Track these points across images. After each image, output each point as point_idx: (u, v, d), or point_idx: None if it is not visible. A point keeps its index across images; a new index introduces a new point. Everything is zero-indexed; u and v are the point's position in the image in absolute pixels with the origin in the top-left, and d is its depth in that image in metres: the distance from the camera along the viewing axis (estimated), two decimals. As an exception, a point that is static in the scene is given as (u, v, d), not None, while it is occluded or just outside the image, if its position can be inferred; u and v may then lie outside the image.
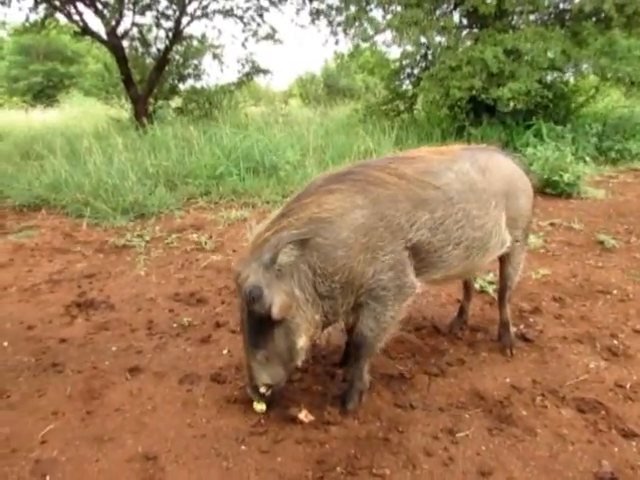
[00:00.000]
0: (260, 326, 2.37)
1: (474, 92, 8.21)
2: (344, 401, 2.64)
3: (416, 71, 9.86)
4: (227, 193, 6.62)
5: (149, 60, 11.39)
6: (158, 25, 10.94)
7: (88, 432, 2.52)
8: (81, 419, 2.61)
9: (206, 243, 5.05)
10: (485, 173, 2.71)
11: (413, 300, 2.55)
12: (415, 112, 10.35)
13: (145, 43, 11.20)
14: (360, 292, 2.46)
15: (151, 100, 11.17)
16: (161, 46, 11.19)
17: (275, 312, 2.33)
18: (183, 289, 4.11)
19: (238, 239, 5.23)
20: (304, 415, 2.57)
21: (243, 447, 2.43)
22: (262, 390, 2.48)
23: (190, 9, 11.32)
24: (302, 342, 2.44)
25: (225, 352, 3.21)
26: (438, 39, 8.70)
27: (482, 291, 3.90)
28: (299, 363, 2.51)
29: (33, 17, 10.18)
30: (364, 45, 9.38)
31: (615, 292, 3.79)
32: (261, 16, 11.31)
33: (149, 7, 10.60)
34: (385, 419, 2.57)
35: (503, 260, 3.01)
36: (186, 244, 5.10)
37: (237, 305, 2.50)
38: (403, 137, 8.60)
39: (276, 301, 2.34)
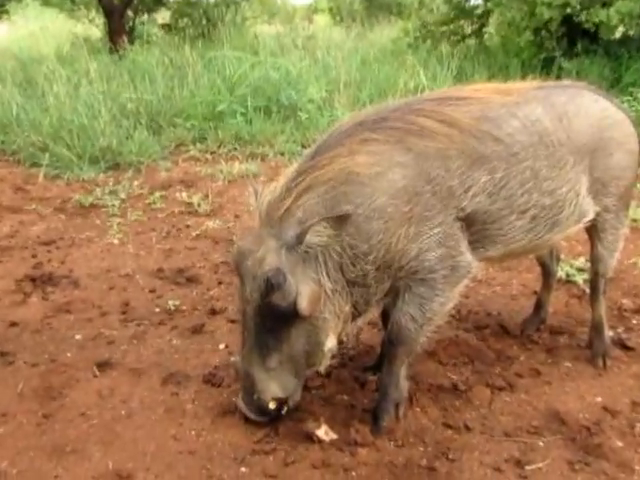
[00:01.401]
0: (274, 323, 2.40)
1: (569, 11, 7.99)
2: (376, 416, 2.67)
3: (490, -20, 9.63)
4: (228, 140, 6.64)
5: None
6: None
7: (45, 440, 2.60)
8: (36, 424, 2.69)
9: (199, 205, 5.10)
10: (563, 120, 2.69)
11: (467, 284, 2.58)
12: (486, 37, 10.15)
13: None
14: (399, 276, 2.50)
15: (130, 13, 11.17)
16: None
17: (304, 306, 2.35)
18: (169, 264, 4.18)
19: (242, 201, 5.26)
20: (324, 432, 2.61)
21: (243, 469, 2.48)
22: (271, 406, 2.51)
23: None
24: (331, 343, 2.48)
25: (222, 347, 3.26)
26: None
27: (568, 281, 3.87)
28: (323, 368, 2.54)
29: None
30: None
31: None
32: None
33: None
34: (431, 442, 2.59)
35: (592, 238, 3.00)
36: (173, 205, 5.16)
37: (239, 293, 2.52)
38: (467, 70, 8.45)
39: (304, 291, 2.36)
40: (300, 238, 2.33)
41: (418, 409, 2.77)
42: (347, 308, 2.50)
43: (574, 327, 3.40)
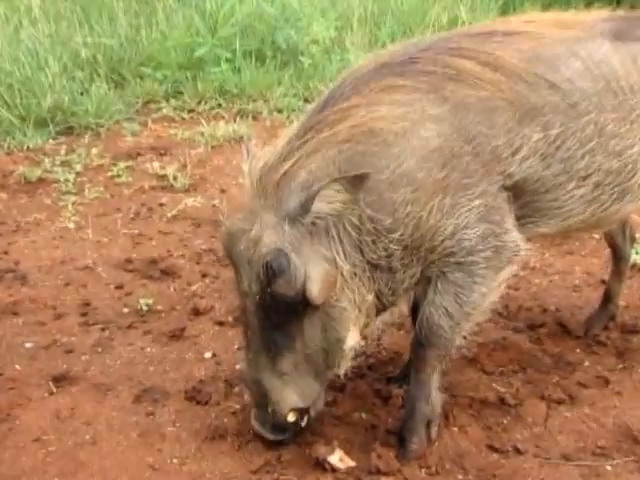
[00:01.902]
0: (282, 317, 2.44)
1: None
2: (403, 438, 2.72)
3: None
4: (211, 94, 6.64)
5: None
6: None
7: (-8, 472, 2.68)
8: (-20, 453, 2.77)
9: (175, 178, 5.14)
10: (638, 61, 2.69)
11: (515, 271, 2.63)
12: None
13: None
14: (431, 259, 2.54)
15: None
16: None
17: (315, 292, 2.39)
18: (139, 253, 4.24)
19: (229, 171, 5.29)
20: (338, 458, 2.66)
21: (239, 505, 2.57)
22: (290, 419, 2.58)
23: None
24: (352, 339, 2.54)
25: (208, 355, 3.32)
26: None
27: (645, 267, 3.92)
28: (342, 372, 2.60)
29: None
30: None
31: None
32: None
33: None
34: (472, 469, 2.65)
35: None
36: (143, 179, 5.20)
37: (234, 285, 2.56)
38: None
39: (313, 273, 2.39)
40: (306, 206, 2.35)
41: (456, 429, 2.82)
42: (369, 297, 2.54)
43: (652, 325, 3.45)
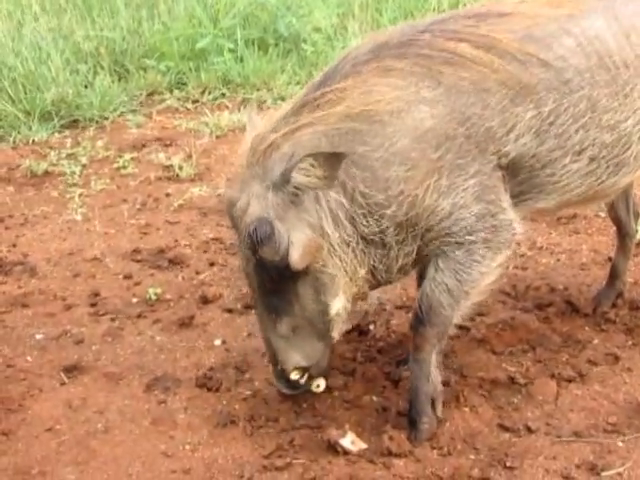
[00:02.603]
0: (277, 282, 2.52)
1: None
2: (412, 420, 2.75)
3: None
4: (214, 84, 6.62)
5: None
6: None
7: (6, 463, 2.68)
8: (-6, 443, 2.79)
9: (181, 168, 5.14)
10: (631, 36, 2.70)
11: (510, 254, 2.68)
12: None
13: None
14: (428, 238, 2.60)
15: None
16: None
17: (295, 257, 2.47)
18: (146, 243, 4.25)
19: (234, 161, 5.24)
20: (350, 441, 2.68)
21: (251, 489, 2.57)
22: (294, 376, 2.66)
23: None
24: (338, 304, 2.60)
25: (217, 343, 3.34)
26: None
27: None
28: (336, 335, 2.67)
29: None
30: None
31: None
32: None
33: None
34: (484, 449, 2.66)
35: None
36: (149, 169, 5.20)
37: (237, 251, 2.66)
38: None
39: (296, 240, 2.47)
40: (286, 176, 2.42)
41: (467, 409, 2.83)
42: (362, 271, 2.60)
43: (661, 301, 3.44)
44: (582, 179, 2.73)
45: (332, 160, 2.37)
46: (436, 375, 2.76)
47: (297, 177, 2.40)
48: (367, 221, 2.53)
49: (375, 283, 2.70)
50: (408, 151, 2.48)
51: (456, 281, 2.61)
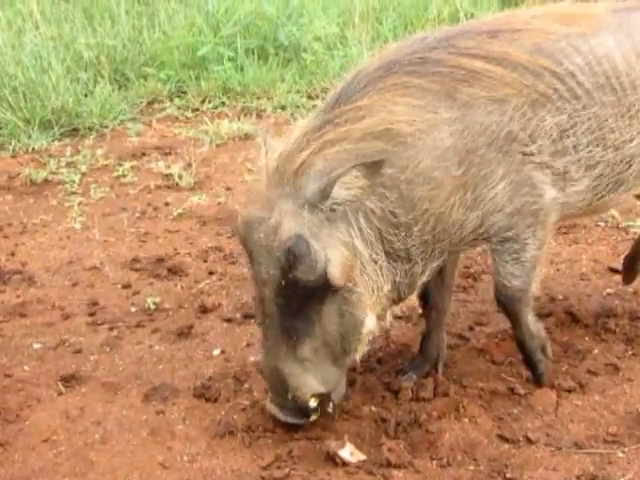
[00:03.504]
0: (302, 303, 2.50)
1: None
2: (533, 370, 2.95)
3: None
4: (214, 92, 6.64)
5: None
6: None
7: (3, 474, 2.66)
8: (-10, 454, 2.77)
9: (181, 176, 5.13)
10: None
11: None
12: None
13: None
14: (464, 244, 2.76)
15: None
16: None
17: (336, 275, 2.47)
18: (145, 252, 4.24)
19: (234, 169, 5.29)
20: (349, 452, 2.65)
21: (250, 501, 2.55)
22: (312, 404, 2.61)
23: None
24: (370, 323, 2.60)
25: (216, 352, 3.32)
26: None
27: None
28: (358, 356, 2.67)
29: None
30: None
31: None
32: None
33: None
34: (483, 459, 2.64)
35: None
36: (148, 178, 5.20)
37: (251, 275, 2.61)
38: (519, -10, 8.37)
39: (333, 257, 2.46)
40: (326, 192, 2.42)
41: (466, 420, 2.81)
42: (387, 287, 2.61)
43: (661, 311, 3.44)
44: (585, 194, 2.81)
45: (373, 169, 2.40)
46: (537, 328, 2.93)
47: (338, 191, 2.41)
48: (395, 239, 2.56)
49: (397, 299, 2.71)
50: (431, 171, 2.53)
51: (519, 266, 2.74)
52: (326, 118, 2.52)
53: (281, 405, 2.66)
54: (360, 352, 2.68)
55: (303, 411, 2.63)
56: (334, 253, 2.46)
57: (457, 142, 2.55)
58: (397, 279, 2.64)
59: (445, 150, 2.54)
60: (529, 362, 2.96)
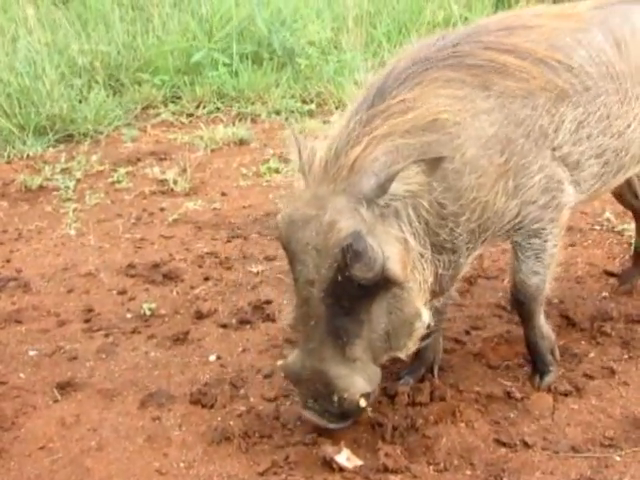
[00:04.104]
0: (354, 302, 2.48)
1: None
2: (541, 374, 3.01)
3: None
4: (209, 97, 6.64)
5: None
6: None
7: (-2, 481, 2.68)
8: (-14, 462, 2.77)
9: (176, 182, 5.13)
10: (621, 46, 2.91)
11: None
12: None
13: None
14: (499, 237, 2.83)
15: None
16: None
17: (397, 271, 2.46)
18: (140, 257, 4.23)
19: (229, 174, 5.29)
20: (346, 458, 2.65)
21: (246, 507, 2.56)
22: (362, 404, 2.57)
23: None
24: (421, 318, 2.59)
25: (212, 358, 3.32)
26: None
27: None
28: (407, 354, 2.71)
29: None
30: None
31: None
32: None
33: None
34: (480, 464, 2.64)
35: None
36: (143, 184, 5.20)
37: (295, 276, 2.53)
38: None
39: (392, 254, 2.46)
40: (384, 187, 2.41)
41: (463, 424, 2.82)
42: (430, 280, 2.62)
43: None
44: (594, 181, 2.95)
45: (433, 165, 2.42)
46: (548, 330, 3.03)
47: (396, 186, 2.41)
48: (442, 230, 2.60)
49: (437, 293, 2.73)
50: (477, 159, 2.59)
51: (539, 263, 2.84)
52: (372, 113, 2.53)
53: (321, 410, 2.61)
54: (410, 349, 2.67)
55: (348, 413, 2.61)
56: (391, 249, 2.46)
57: (498, 131, 2.63)
58: (440, 271, 2.66)
59: (488, 139, 2.61)
60: (539, 364, 3.01)
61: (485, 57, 2.68)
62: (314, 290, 2.48)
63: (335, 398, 2.54)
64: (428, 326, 2.63)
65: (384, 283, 2.47)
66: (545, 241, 2.83)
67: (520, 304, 2.96)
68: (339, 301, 2.47)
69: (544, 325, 3.03)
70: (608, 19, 2.96)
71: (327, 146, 2.54)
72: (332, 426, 2.65)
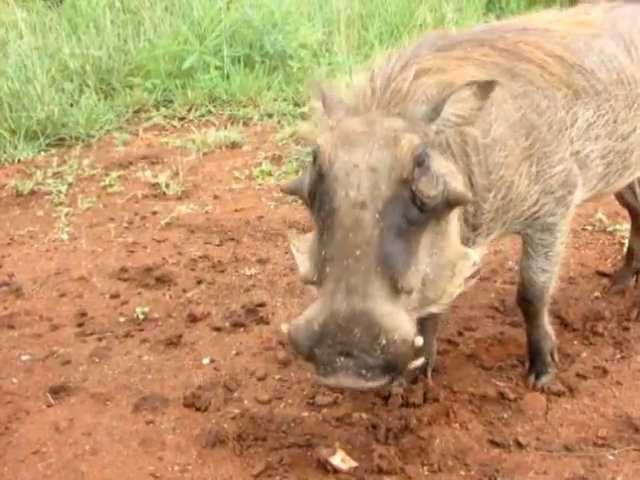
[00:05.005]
0: (407, 229, 2.24)
1: None
2: (538, 374, 3.04)
3: None
4: (201, 101, 6.65)
5: None
6: None
7: (-8, 487, 2.68)
8: (-21, 467, 2.76)
9: (168, 185, 5.14)
10: (631, 51, 3.00)
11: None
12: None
13: None
14: (516, 224, 2.83)
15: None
16: None
17: (460, 188, 2.34)
18: (133, 261, 4.23)
19: (222, 178, 5.30)
20: (340, 459, 2.66)
21: (241, 509, 2.56)
22: (419, 342, 2.16)
23: None
24: (474, 255, 2.45)
25: (206, 361, 3.33)
26: None
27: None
28: (447, 303, 2.47)
29: None
30: None
31: None
32: None
33: None
34: (474, 465, 2.66)
35: None
36: (135, 187, 5.20)
37: (337, 203, 2.23)
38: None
39: (448, 172, 2.35)
40: (438, 109, 2.36)
41: (457, 425, 2.83)
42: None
43: (650, 313, 3.47)
44: (597, 181, 3.01)
45: (485, 89, 2.38)
46: (550, 330, 3.09)
47: (448, 110, 2.36)
48: (470, 205, 2.58)
49: None
50: (506, 138, 2.63)
51: (548, 261, 2.91)
52: (418, 52, 2.57)
53: (357, 367, 2.12)
54: (448, 298, 2.42)
55: (395, 363, 2.13)
56: (446, 169, 2.36)
57: (523, 116, 2.68)
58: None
59: (515, 122, 2.66)
60: (538, 364, 3.06)
61: (512, 44, 2.74)
62: (366, 212, 2.20)
63: (382, 341, 2.10)
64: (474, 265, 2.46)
65: (442, 208, 2.30)
66: (555, 237, 2.89)
67: (527, 302, 3.01)
68: (395, 224, 2.21)
69: (547, 325, 3.09)
70: (617, 23, 3.04)
71: (369, 78, 2.50)
72: (373, 384, 2.14)
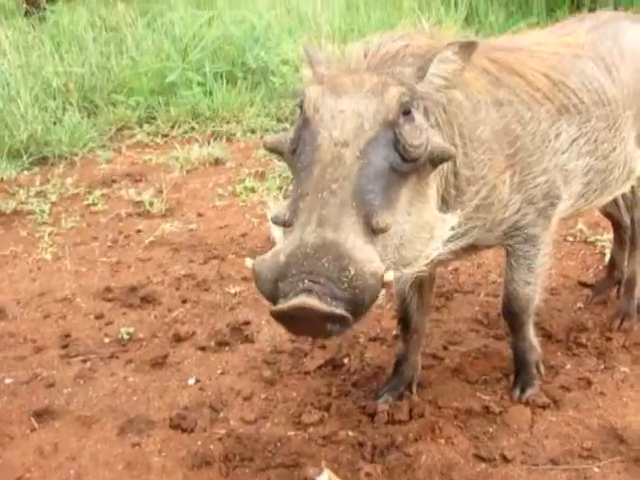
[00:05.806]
0: (386, 176, 2.19)
1: None
2: (523, 387, 3.04)
3: None
4: (184, 118, 6.66)
5: None
6: None
7: (-24, 515, 2.65)
8: (-37, 495, 2.74)
9: (151, 203, 5.13)
10: (612, 72, 3.02)
11: None
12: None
13: None
14: (498, 232, 2.82)
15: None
16: None
17: (442, 145, 2.33)
18: (117, 281, 4.21)
19: (205, 195, 5.29)
20: (327, 478, 2.63)
21: (228, 531, 2.54)
22: (389, 276, 2.06)
23: None
24: (452, 220, 2.40)
25: (191, 382, 3.30)
26: None
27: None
28: (424, 264, 2.34)
29: None
30: None
31: None
32: None
33: None
34: (460, 479, 2.66)
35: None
36: (119, 206, 5.18)
37: (319, 142, 2.20)
38: (480, 9, 8.46)
39: (432, 133, 2.34)
40: (424, 69, 2.36)
41: (442, 440, 2.82)
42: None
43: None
44: (576, 198, 3.01)
45: (467, 50, 2.37)
46: (536, 343, 3.10)
47: (433, 72, 2.35)
48: (450, 190, 2.57)
49: None
50: (491, 142, 2.65)
51: (531, 273, 2.93)
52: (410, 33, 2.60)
53: (323, 293, 1.99)
54: (421, 262, 2.31)
55: (363, 297, 2.02)
56: (430, 131, 2.35)
57: (506, 125, 2.70)
58: None
59: (499, 129, 2.69)
60: (523, 376, 3.07)
61: (499, 56, 2.78)
62: (347, 150, 2.17)
63: (351, 272, 2.00)
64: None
65: (424, 162, 2.27)
66: (538, 249, 2.91)
67: (511, 315, 3.03)
68: (375, 165, 2.17)
69: (533, 337, 3.10)
70: (598, 44, 3.06)
71: (360, 45, 2.51)
72: (339, 311, 1.99)
